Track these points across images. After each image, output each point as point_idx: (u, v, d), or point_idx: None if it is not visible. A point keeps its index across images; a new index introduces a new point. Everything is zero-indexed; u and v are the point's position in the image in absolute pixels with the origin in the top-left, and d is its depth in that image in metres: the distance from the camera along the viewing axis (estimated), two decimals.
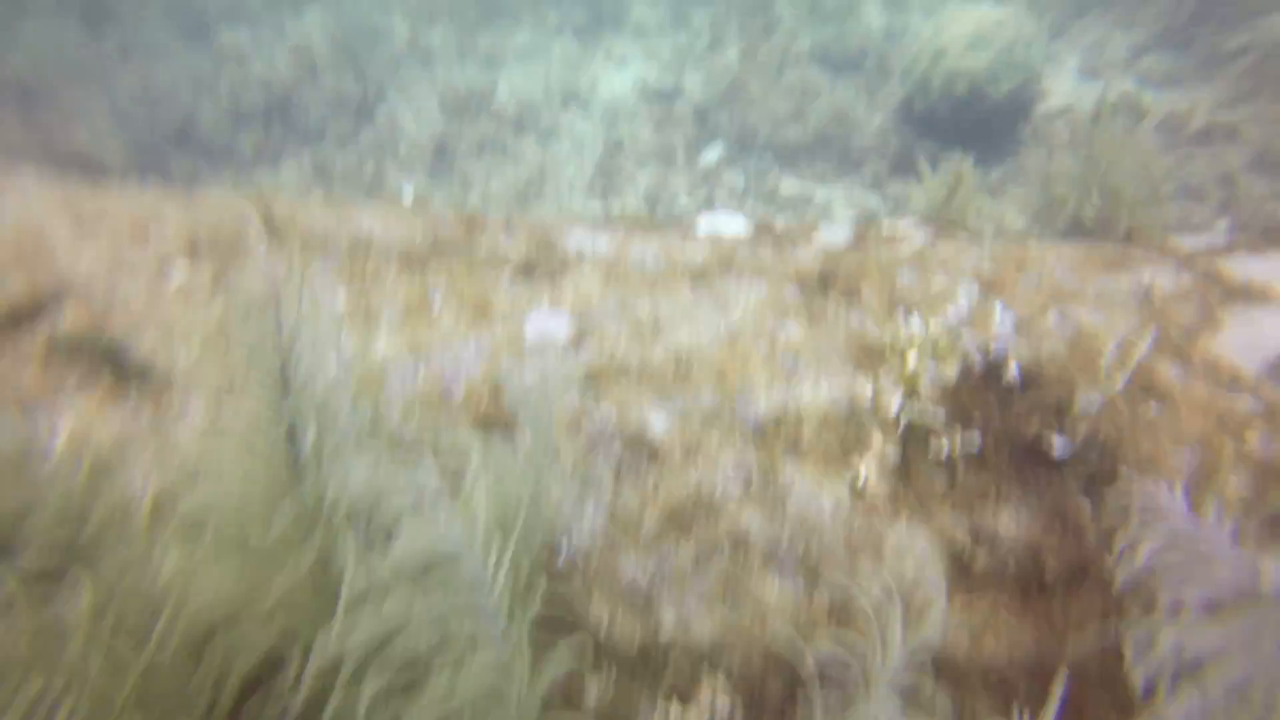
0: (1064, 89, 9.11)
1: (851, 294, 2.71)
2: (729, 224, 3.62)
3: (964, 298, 2.56)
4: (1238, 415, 2.00)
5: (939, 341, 2.28)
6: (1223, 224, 2.57)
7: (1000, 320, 2.13)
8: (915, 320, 2.32)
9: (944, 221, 3.40)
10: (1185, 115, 8.03)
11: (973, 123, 7.73)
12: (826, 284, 2.77)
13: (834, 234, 3.25)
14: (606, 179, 8.48)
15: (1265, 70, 8.30)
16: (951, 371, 2.23)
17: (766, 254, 3.11)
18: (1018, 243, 3.06)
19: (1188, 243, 2.74)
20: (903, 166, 8.07)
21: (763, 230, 3.39)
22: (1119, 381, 2.01)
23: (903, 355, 2.22)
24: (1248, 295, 2.33)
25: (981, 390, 2.17)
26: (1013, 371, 2.09)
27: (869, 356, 2.42)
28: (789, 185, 8.16)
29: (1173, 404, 2.06)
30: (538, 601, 1.33)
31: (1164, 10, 9.67)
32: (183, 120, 9.68)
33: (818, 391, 2.39)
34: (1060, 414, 2.04)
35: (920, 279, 2.75)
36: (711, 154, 8.86)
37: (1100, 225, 3.35)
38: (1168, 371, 2.14)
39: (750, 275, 2.96)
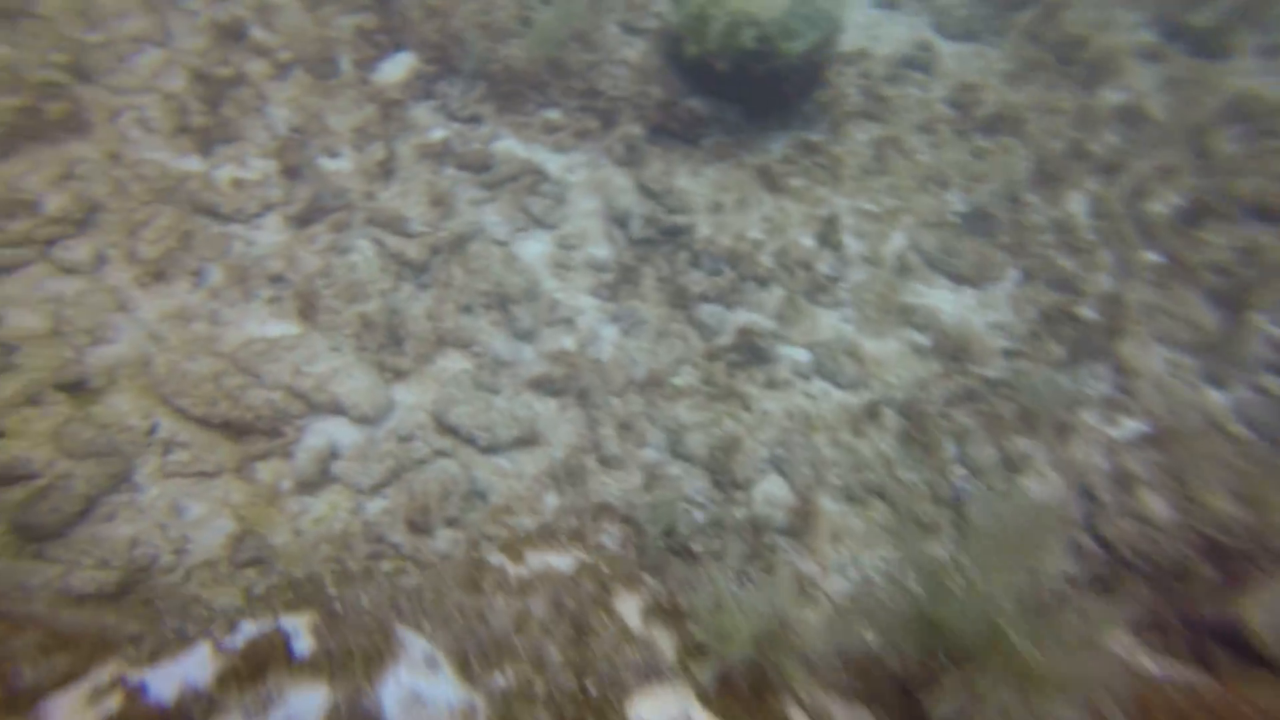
0: (858, 19, 7.31)
1: None
2: None
3: None
4: None
5: None
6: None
7: None
8: None
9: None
10: (976, 89, 6.76)
11: (757, 80, 5.71)
12: None
13: None
14: (210, 105, 5.16)
15: (1044, 33, 7.23)
16: None
17: None
18: None
19: None
20: (667, 132, 5.90)
21: None
22: None
23: None
24: None
25: None
26: None
27: None
28: (509, 149, 5.61)
29: None
30: None
31: None
32: None
33: None
34: None
35: None
36: (395, 67, 5.84)
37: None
38: None
39: None
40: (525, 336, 4.75)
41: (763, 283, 5.27)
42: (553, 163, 5.62)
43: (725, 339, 4.97)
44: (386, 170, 5.24)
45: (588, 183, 5.58)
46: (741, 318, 5.10)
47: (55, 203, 4.26)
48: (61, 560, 3.30)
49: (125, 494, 3.59)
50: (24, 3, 4.82)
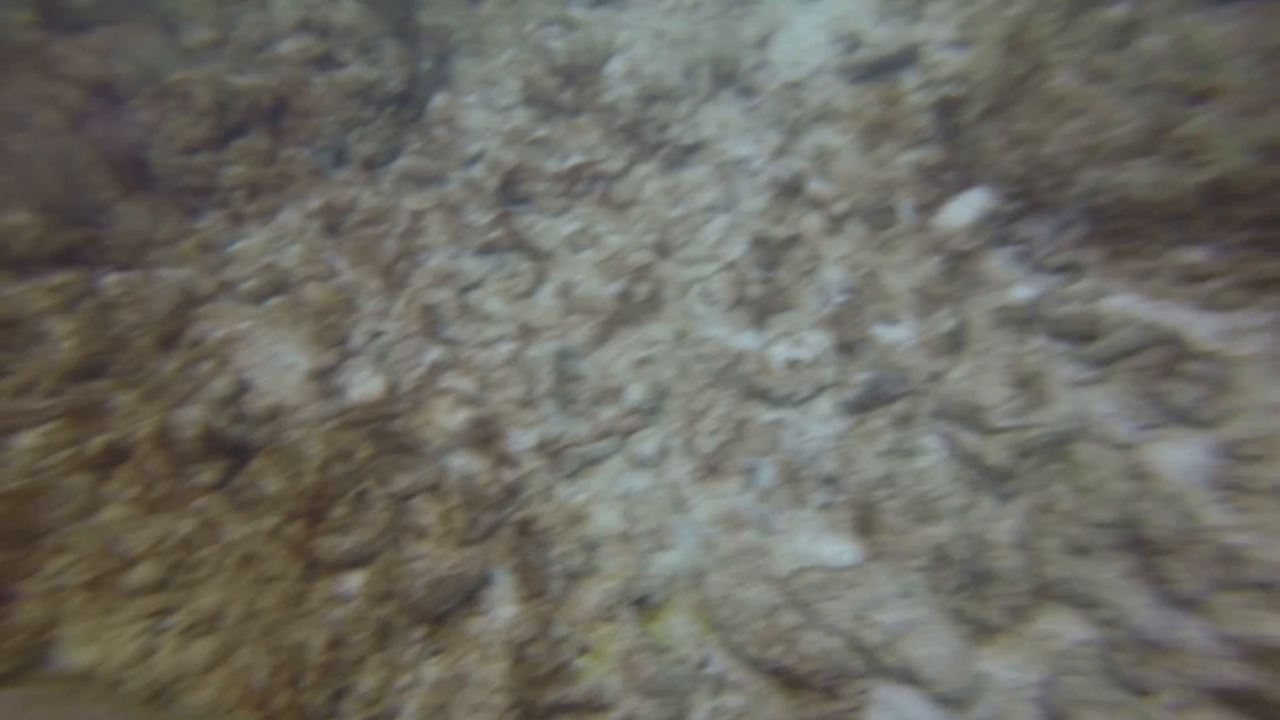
0: None
1: None
2: None
3: None
4: None
5: None
6: None
7: None
8: None
9: None
10: None
11: None
12: None
13: None
14: (767, 271, 4.97)
15: None
16: None
17: None
18: None
19: None
20: None
21: None
22: None
23: None
24: None
25: None
26: None
27: None
28: (1125, 308, 4.14)
29: None
30: None
31: None
32: None
33: None
34: None
35: None
36: (963, 209, 4.94)
37: None
38: None
39: None
40: (1185, 605, 3.17)
41: None
42: (1202, 327, 3.94)
43: None
44: (956, 342, 4.30)
45: (1268, 358, 3.74)
46: None
47: (633, 389, 4.40)
48: None
49: None
50: (634, 193, 5.34)
